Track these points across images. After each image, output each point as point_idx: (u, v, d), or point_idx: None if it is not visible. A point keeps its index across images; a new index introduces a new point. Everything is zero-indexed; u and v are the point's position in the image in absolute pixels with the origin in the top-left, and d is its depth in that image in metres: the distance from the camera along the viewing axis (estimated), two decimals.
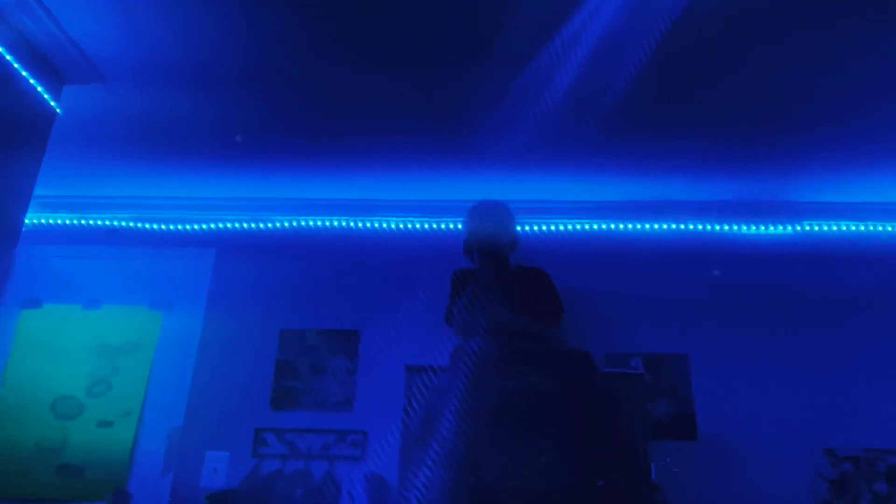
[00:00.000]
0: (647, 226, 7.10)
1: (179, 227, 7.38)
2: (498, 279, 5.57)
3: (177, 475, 6.41)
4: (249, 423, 6.55)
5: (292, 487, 6.15)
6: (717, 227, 7.05)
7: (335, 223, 7.29)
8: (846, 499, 6.06)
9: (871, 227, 6.97)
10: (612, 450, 4.79)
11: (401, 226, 7.24)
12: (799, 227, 6.97)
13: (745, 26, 4.67)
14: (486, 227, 5.81)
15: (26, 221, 5.12)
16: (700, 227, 7.06)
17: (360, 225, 7.28)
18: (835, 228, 6.97)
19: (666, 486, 5.62)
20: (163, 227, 7.39)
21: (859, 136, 5.88)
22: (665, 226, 7.08)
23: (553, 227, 7.09)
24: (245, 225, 7.32)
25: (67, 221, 7.44)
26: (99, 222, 7.42)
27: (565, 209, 7.07)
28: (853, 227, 6.97)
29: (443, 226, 7.17)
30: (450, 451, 4.60)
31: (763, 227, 7.01)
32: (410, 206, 7.21)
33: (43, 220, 7.42)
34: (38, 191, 5.22)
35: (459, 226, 6.43)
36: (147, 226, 7.39)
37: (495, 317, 5.39)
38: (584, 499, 4.54)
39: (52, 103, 5.26)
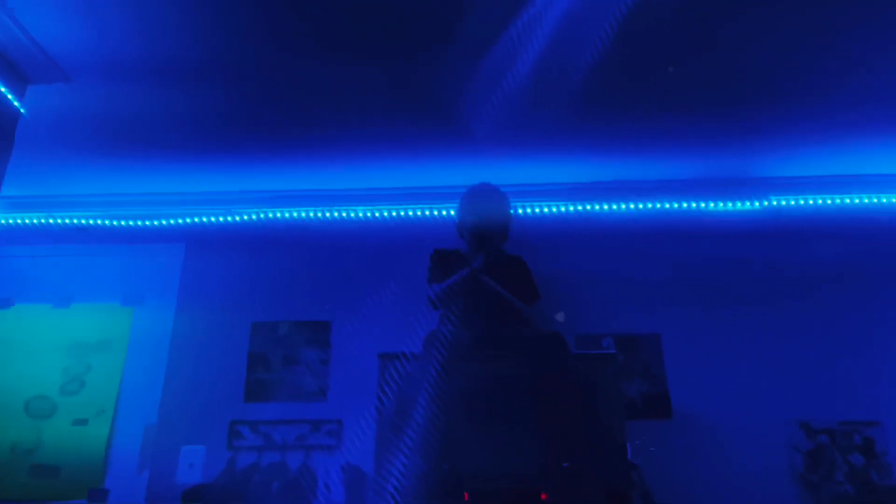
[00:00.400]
0: (615, 206, 7.10)
1: (148, 222, 7.36)
2: (488, 265, 5.59)
3: (153, 471, 6.41)
4: (224, 416, 6.54)
5: (269, 480, 6.14)
6: (685, 205, 7.06)
7: (304, 214, 7.28)
8: (821, 471, 6.09)
9: (838, 200, 6.99)
10: (587, 431, 4.79)
11: (369, 214, 7.23)
12: (766, 203, 6.98)
13: (704, 4, 4.68)
14: (486, 212, 5.83)
15: None
16: (668, 205, 7.07)
17: (328, 215, 7.27)
18: (801, 202, 6.98)
19: (643, 466, 5.65)
20: (131, 223, 7.36)
21: (822, 109, 5.90)
22: (633, 205, 7.07)
23: (521, 211, 7.07)
24: (214, 219, 7.30)
25: (35, 221, 7.40)
26: (67, 220, 7.38)
27: (533, 192, 7.06)
28: (819, 201, 6.98)
29: (411, 213, 7.16)
30: (424, 438, 4.61)
31: (731, 204, 7.02)
32: (379, 195, 7.20)
33: (10, 221, 7.38)
34: (5, 191, 5.21)
35: (428, 212, 6.43)
36: (116, 223, 7.37)
37: (484, 293, 5.43)
38: (560, 481, 4.55)
39: (16, 103, 5.24)
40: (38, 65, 5.16)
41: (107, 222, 7.36)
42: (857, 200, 6.98)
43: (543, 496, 4.53)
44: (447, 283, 5.62)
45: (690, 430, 6.28)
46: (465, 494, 4.60)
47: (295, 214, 7.29)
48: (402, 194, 7.12)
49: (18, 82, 5.26)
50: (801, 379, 6.42)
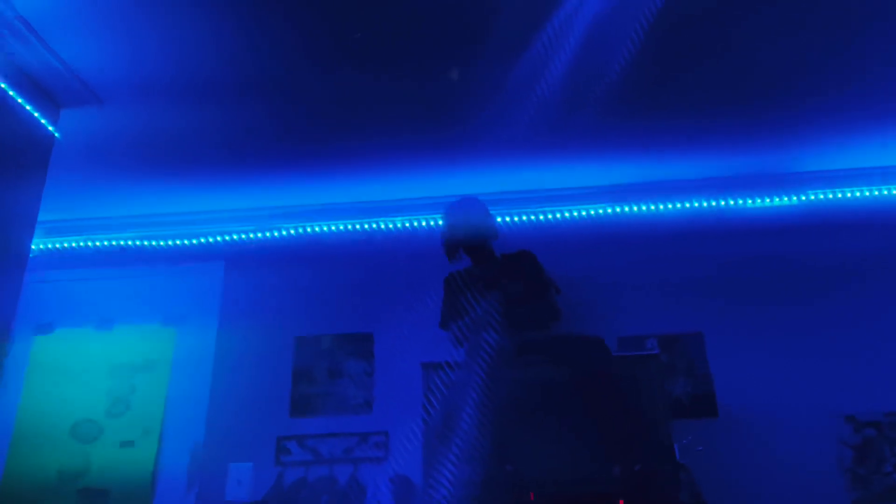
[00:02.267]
0: (652, 207, 7.08)
1: (186, 241, 7.38)
2: (484, 273, 5.59)
3: (201, 490, 6.42)
4: (270, 432, 6.55)
5: (317, 494, 6.15)
6: (722, 203, 7.02)
7: (341, 227, 7.29)
8: (870, 464, 6.06)
9: (877, 192, 6.95)
10: (634, 433, 4.79)
11: (405, 224, 7.24)
12: (804, 197, 6.95)
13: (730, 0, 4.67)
14: (462, 225, 5.82)
15: (33, 247, 5.12)
16: (704, 204, 7.04)
17: (365, 227, 7.27)
18: (839, 195, 6.94)
19: (691, 465, 5.63)
20: (170, 242, 7.39)
21: (854, 100, 5.87)
22: (669, 205, 7.06)
23: (556, 216, 7.07)
24: (252, 235, 7.32)
25: (74, 244, 7.44)
26: (105, 243, 7.42)
27: (568, 196, 7.04)
28: (857, 193, 6.94)
29: None
30: (472, 445, 4.61)
31: (768, 200, 6.98)
32: (413, 205, 7.20)
33: (50, 245, 7.42)
34: (43, 216, 5.23)
35: None
36: (154, 243, 7.39)
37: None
38: (614, 484, 4.55)
39: (50, 128, 5.28)
40: (71, 89, 5.19)
41: (145, 243, 7.38)
42: (893, 191, 6.94)
43: (621, 502, 4.53)
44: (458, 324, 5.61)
45: (737, 428, 6.25)
46: (532, 495, 4.60)
47: (332, 228, 7.29)
48: (436, 202, 7.09)
49: (52, 107, 5.29)
50: (846, 372, 6.38)
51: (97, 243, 7.43)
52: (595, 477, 4.64)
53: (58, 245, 7.44)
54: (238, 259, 7.29)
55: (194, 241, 7.37)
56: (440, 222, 6.23)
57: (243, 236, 7.33)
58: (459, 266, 5.94)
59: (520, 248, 6.06)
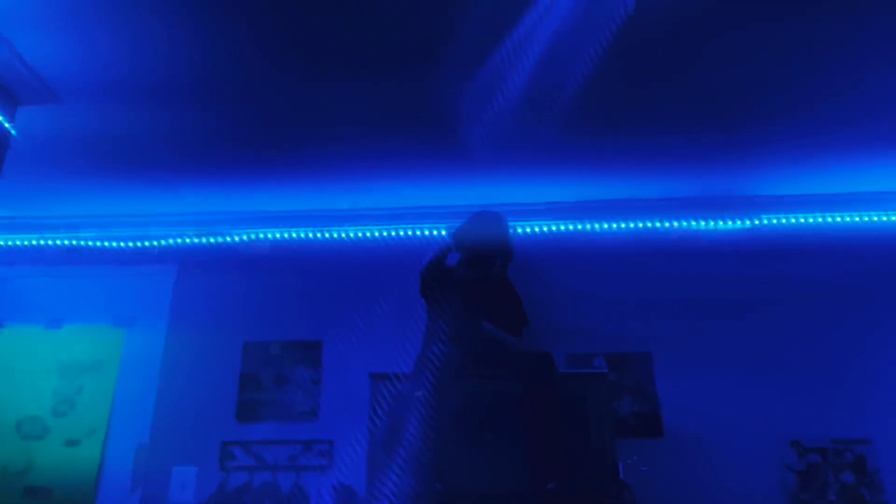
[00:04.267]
0: (605, 225, 7.11)
1: (139, 244, 7.36)
2: (475, 285, 5.58)
3: (145, 492, 6.41)
4: (216, 436, 6.54)
5: (260, 500, 6.15)
6: (676, 224, 7.07)
7: (294, 234, 7.29)
8: (814, 490, 6.10)
9: (829, 219, 7.00)
10: (578, 450, 4.80)
11: (360, 234, 7.24)
12: (756, 221, 7.00)
13: (693, 22, 4.70)
14: (490, 240, 5.82)
15: None
16: (658, 224, 7.08)
17: (319, 235, 7.29)
18: (792, 221, 7.00)
19: (634, 485, 5.63)
20: (123, 244, 7.37)
21: (811, 127, 5.93)
22: (623, 224, 7.10)
23: (514, 230, 7.07)
24: (206, 239, 7.30)
25: (26, 242, 7.42)
26: (58, 242, 7.39)
27: (522, 211, 7.06)
28: (810, 220, 7.00)
29: (401, 233, 7.17)
30: (416, 457, 4.62)
31: (721, 223, 7.04)
32: (369, 215, 7.21)
33: (1, 242, 7.38)
34: None
35: (419, 232, 6.45)
36: (107, 244, 7.37)
37: (467, 325, 5.41)
38: (550, 501, 4.55)
39: (7, 125, 5.25)
40: (29, 86, 5.17)
41: (98, 243, 7.36)
42: (845, 219, 7.00)
43: None
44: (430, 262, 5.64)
45: (682, 449, 6.28)
46: None
47: (286, 235, 7.30)
48: (393, 214, 7.13)
49: (9, 104, 5.27)
50: (793, 397, 6.43)
51: (49, 242, 7.40)
52: (523, 494, 4.64)
53: (9, 242, 7.42)
54: (190, 263, 7.28)
55: (147, 244, 7.36)
56: (411, 231, 6.25)
57: (196, 240, 7.31)
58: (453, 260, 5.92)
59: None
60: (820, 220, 7.00)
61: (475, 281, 5.61)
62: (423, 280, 5.75)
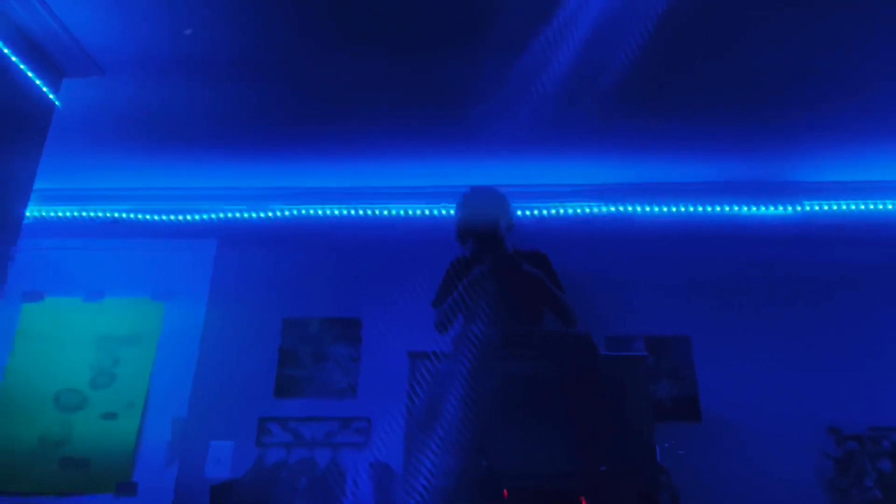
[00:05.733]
0: (648, 208, 7.10)
1: (180, 217, 7.39)
2: (496, 265, 5.55)
3: (181, 466, 6.42)
4: (253, 412, 6.56)
5: (297, 476, 6.14)
6: (718, 209, 7.05)
7: (335, 211, 7.30)
8: (851, 477, 6.06)
9: (872, 206, 6.97)
10: (616, 433, 4.79)
11: (401, 212, 7.25)
12: (799, 207, 6.97)
13: (737, 4, 4.67)
14: (479, 214, 5.81)
15: (27, 214, 5.11)
16: (700, 208, 7.06)
17: (360, 213, 7.29)
18: (835, 207, 6.97)
19: (671, 468, 5.63)
20: (164, 217, 7.40)
21: (856, 113, 5.90)
22: (665, 208, 7.08)
23: (553, 212, 7.09)
24: (246, 214, 7.33)
25: (68, 214, 7.45)
26: (99, 214, 7.42)
27: (564, 192, 7.07)
28: (853, 206, 6.97)
29: (443, 211, 7.16)
30: (454, 436, 4.61)
31: (764, 208, 7.01)
32: (410, 193, 7.22)
33: (43, 213, 7.43)
34: (38, 184, 5.21)
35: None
36: (148, 217, 7.40)
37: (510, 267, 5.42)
38: (591, 482, 4.54)
39: (51, 96, 5.26)
40: (74, 58, 5.19)
41: (139, 216, 7.39)
42: (889, 206, 6.95)
43: (583, 500, 4.53)
44: (447, 304, 5.61)
45: (719, 434, 6.26)
46: (505, 492, 4.59)
47: (327, 212, 7.31)
48: (433, 192, 7.13)
49: (54, 75, 5.28)
50: (831, 384, 6.40)
51: (91, 214, 7.44)
52: (563, 474, 4.64)
53: (52, 214, 7.45)
54: (230, 237, 7.30)
55: (188, 218, 7.38)
56: (451, 211, 6.24)
57: (237, 215, 7.34)
58: (467, 251, 5.91)
59: (533, 248, 6.05)
60: (863, 206, 6.97)
61: (498, 262, 5.60)
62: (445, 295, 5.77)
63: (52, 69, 5.23)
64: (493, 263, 5.54)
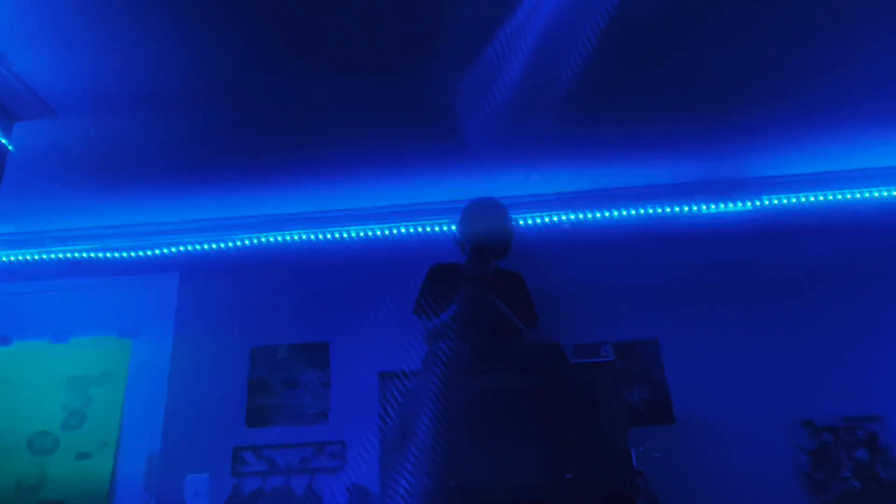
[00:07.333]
0: (606, 213, 7.10)
1: (141, 253, 7.34)
2: (486, 278, 5.55)
3: (158, 501, 6.39)
4: (227, 442, 6.53)
5: None
6: (677, 209, 7.06)
7: (296, 237, 7.28)
8: (827, 469, 6.08)
9: (831, 196, 6.99)
10: (591, 440, 4.79)
11: (361, 234, 7.23)
12: (759, 203, 6.99)
13: (685, 5, 4.70)
14: (488, 225, 5.79)
15: None
16: (659, 210, 7.07)
17: (320, 237, 7.27)
18: (794, 200, 6.98)
19: (648, 472, 5.64)
20: (124, 254, 7.35)
21: (808, 106, 5.92)
22: (624, 212, 7.09)
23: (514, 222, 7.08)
24: (206, 246, 7.29)
25: (28, 257, 7.40)
26: (60, 255, 7.38)
27: (522, 203, 7.04)
28: (812, 198, 6.98)
29: (404, 230, 7.15)
30: (428, 455, 4.60)
31: (723, 206, 7.02)
32: (368, 214, 7.20)
33: (4, 258, 7.38)
34: None
35: (421, 229, 6.42)
36: (108, 255, 7.35)
37: (482, 305, 5.40)
38: (563, 492, 4.54)
39: (3, 141, 5.23)
40: (24, 101, 5.16)
41: (100, 255, 7.35)
42: (850, 196, 6.99)
43: None
44: (442, 319, 5.59)
45: (694, 434, 6.27)
46: None
47: (288, 238, 7.29)
48: (394, 212, 7.12)
49: (5, 119, 5.26)
50: (803, 377, 6.42)
51: (52, 256, 7.39)
52: (538, 486, 4.63)
53: (12, 258, 7.40)
54: (192, 270, 7.27)
55: (149, 253, 7.34)
56: (411, 229, 6.24)
57: (198, 247, 7.30)
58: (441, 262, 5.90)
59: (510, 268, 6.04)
60: (822, 198, 6.99)
61: (486, 275, 5.58)
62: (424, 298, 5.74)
63: (3, 114, 5.22)
64: (483, 277, 5.54)
